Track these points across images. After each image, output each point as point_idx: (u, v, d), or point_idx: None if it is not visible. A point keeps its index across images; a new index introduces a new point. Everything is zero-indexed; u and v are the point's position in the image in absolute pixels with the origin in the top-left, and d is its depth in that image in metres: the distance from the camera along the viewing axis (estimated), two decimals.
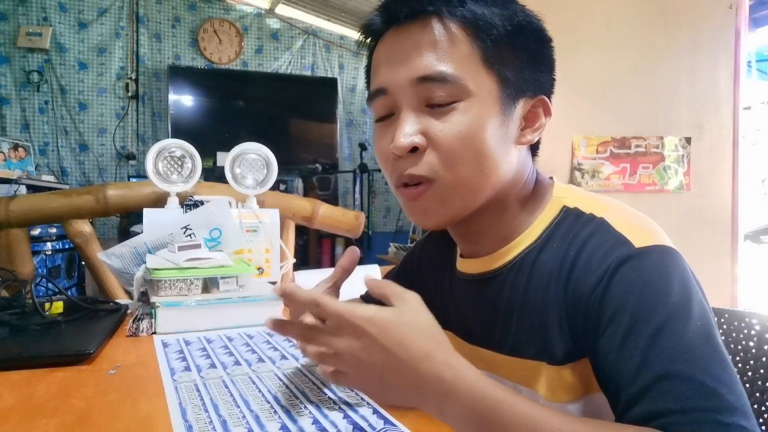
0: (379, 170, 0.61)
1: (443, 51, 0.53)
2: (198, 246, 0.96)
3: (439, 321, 0.46)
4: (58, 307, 0.87)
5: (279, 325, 0.47)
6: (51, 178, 3.58)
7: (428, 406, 0.44)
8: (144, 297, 0.96)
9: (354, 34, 1.82)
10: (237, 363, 0.68)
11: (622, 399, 0.45)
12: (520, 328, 0.57)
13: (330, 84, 4.66)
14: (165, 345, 0.77)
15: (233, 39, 4.41)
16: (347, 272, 0.56)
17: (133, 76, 4.09)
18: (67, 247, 3.05)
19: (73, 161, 3.96)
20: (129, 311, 0.96)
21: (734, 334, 0.78)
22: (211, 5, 4.35)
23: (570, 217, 0.56)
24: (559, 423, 0.41)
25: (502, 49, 0.54)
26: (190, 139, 1.34)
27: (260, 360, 0.70)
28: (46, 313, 0.84)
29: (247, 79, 4.47)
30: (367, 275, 0.50)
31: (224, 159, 1.30)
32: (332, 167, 4.47)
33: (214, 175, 3.53)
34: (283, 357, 0.71)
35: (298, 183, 4.30)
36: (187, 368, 0.66)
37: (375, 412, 0.52)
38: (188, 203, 1.19)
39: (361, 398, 0.55)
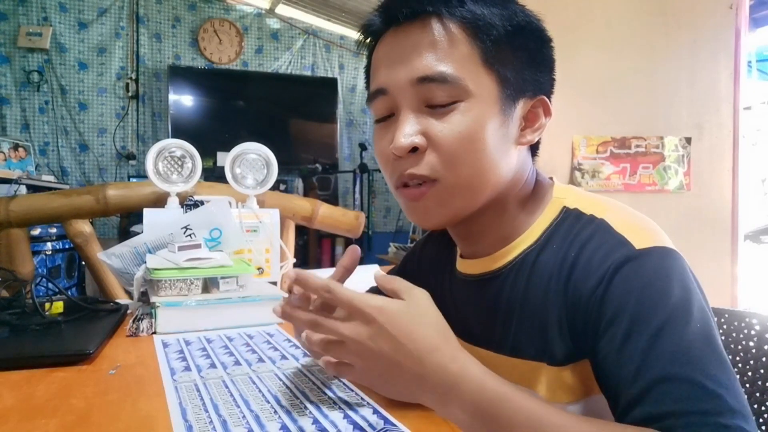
0: (379, 170, 0.61)
1: (443, 51, 0.53)
2: (198, 246, 0.96)
3: None
4: (58, 307, 0.87)
5: (288, 312, 0.48)
6: (51, 178, 3.58)
7: (432, 399, 0.44)
8: (144, 297, 0.96)
9: (354, 34, 1.82)
10: (237, 363, 0.68)
11: (622, 401, 0.45)
12: (520, 329, 0.57)
13: (330, 84, 4.66)
14: (165, 345, 0.77)
15: (233, 39, 4.41)
16: (348, 271, 0.56)
17: (133, 76, 4.09)
18: (67, 247, 3.06)
19: (73, 161, 3.96)
20: (129, 311, 0.96)
21: (734, 334, 0.78)
22: (211, 5, 4.35)
23: (570, 217, 0.56)
24: (562, 420, 0.41)
25: (501, 50, 0.54)
26: (190, 139, 1.34)
27: (260, 360, 0.70)
28: (46, 313, 0.84)
29: (247, 79, 4.47)
30: (377, 271, 0.51)
31: (224, 159, 1.30)
32: (332, 167, 4.47)
33: (214, 175, 3.54)
34: (283, 357, 0.71)
35: (298, 183, 4.30)
36: (187, 368, 0.66)
37: (375, 412, 0.52)
38: (188, 203, 1.19)
39: (362, 398, 0.55)
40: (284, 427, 0.48)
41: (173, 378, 0.62)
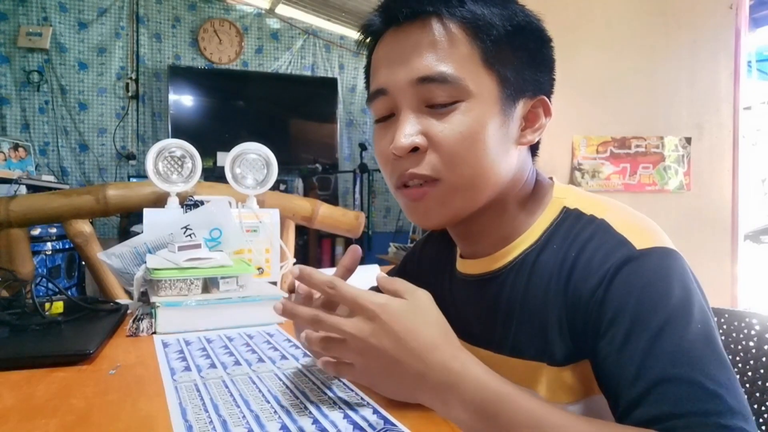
0: (379, 170, 0.61)
1: (443, 51, 0.53)
2: (198, 246, 0.96)
3: None
4: (58, 307, 0.87)
5: (289, 309, 0.48)
6: (51, 178, 3.58)
7: (432, 398, 0.44)
8: (144, 297, 0.96)
9: (354, 34, 1.82)
10: (237, 363, 0.68)
11: (622, 401, 0.45)
12: (520, 329, 0.57)
13: (330, 84, 4.66)
14: (165, 345, 0.77)
15: (233, 39, 4.41)
16: (349, 271, 0.56)
17: (133, 76, 4.09)
18: (67, 247, 3.05)
19: (73, 161, 3.96)
20: (129, 311, 0.96)
21: (734, 334, 0.78)
22: (211, 5, 4.35)
23: (570, 218, 0.56)
24: (562, 420, 0.41)
25: (501, 50, 0.54)
26: (190, 139, 1.34)
27: (260, 360, 0.70)
28: (46, 313, 0.84)
29: (247, 79, 4.47)
30: (379, 273, 0.51)
31: (224, 159, 1.30)
32: (332, 167, 4.47)
33: (214, 175, 3.53)
34: (283, 357, 0.71)
35: (298, 183, 4.30)
36: (187, 368, 0.66)
37: (375, 412, 0.52)
38: (188, 203, 1.19)
39: (362, 398, 0.55)
40: (284, 427, 0.48)
41: (173, 378, 0.62)
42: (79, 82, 3.95)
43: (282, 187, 4.08)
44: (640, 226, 0.52)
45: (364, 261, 0.61)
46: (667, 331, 0.44)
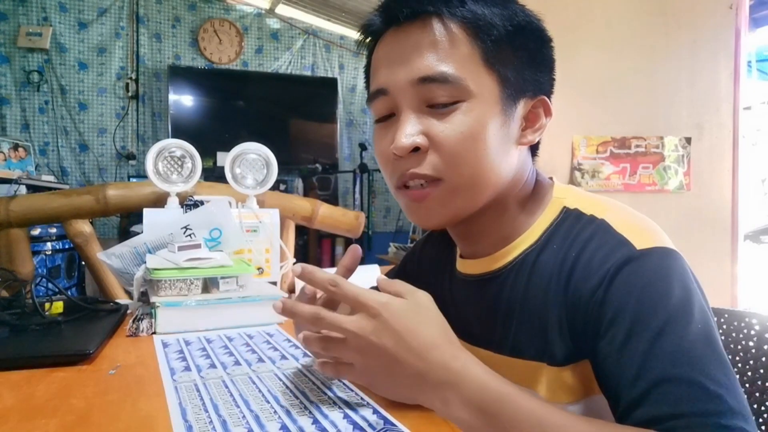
0: (379, 170, 0.61)
1: (444, 51, 0.53)
2: (198, 246, 0.96)
3: None
4: (58, 307, 0.87)
5: (289, 308, 0.47)
6: (51, 178, 3.58)
7: (432, 397, 0.44)
8: (144, 297, 0.96)
9: (354, 34, 1.82)
10: (237, 363, 0.68)
11: (622, 402, 0.45)
12: (520, 329, 0.57)
13: (330, 84, 4.66)
14: (165, 345, 0.77)
15: (233, 39, 4.41)
16: (350, 271, 0.56)
17: (133, 76, 4.09)
18: (67, 247, 3.05)
19: (73, 161, 3.96)
20: (129, 311, 0.96)
21: (734, 334, 0.78)
22: (211, 5, 4.35)
23: (570, 218, 0.56)
24: (563, 420, 0.41)
25: (502, 50, 0.54)
26: (190, 139, 1.34)
27: (260, 360, 0.70)
28: (46, 313, 0.84)
29: (247, 79, 4.47)
30: (379, 276, 0.51)
31: (224, 159, 1.30)
32: (332, 167, 4.47)
33: (214, 175, 3.53)
34: (283, 357, 0.71)
35: (298, 183, 4.30)
36: (187, 368, 0.66)
37: (375, 412, 0.52)
38: (188, 203, 1.19)
39: (362, 398, 0.55)
40: (284, 427, 0.48)
41: (173, 378, 0.62)
42: (79, 82, 3.95)
43: (282, 187, 4.08)
44: (640, 226, 0.52)
45: (364, 261, 0.61)
46: (667, 332, 0.44)
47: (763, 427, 0.71)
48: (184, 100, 4.17)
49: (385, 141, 0.57)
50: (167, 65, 4.16)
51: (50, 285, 0.95)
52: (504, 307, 0.59)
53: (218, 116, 4.24)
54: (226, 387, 0.59)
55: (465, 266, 0.65)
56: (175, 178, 1.25)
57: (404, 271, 0.81)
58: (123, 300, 1.10)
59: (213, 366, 0.67)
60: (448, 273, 0.70)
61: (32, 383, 0.60)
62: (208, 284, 0.93)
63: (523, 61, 0.56)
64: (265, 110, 4.45)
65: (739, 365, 0.75)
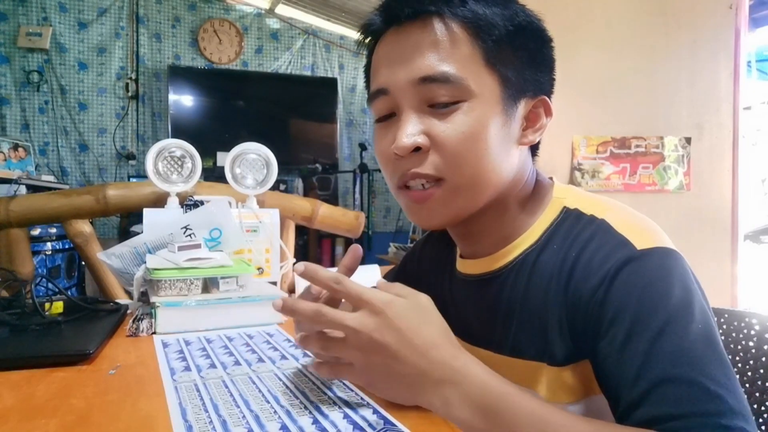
0: (379, 170, 0.61)
1: (445, 51, 0.53)
2: (198, 246, 0.96)
3: None
4: (58, 307, 0.87)
5: (290, 306, 0.47)
6: (51, 178, 3.58)
7: (432, 396, 0.44)
8: (144, 297, 0.96)
9: (354, 34, 1.82)
10: (237, 363, 0.68)
11: (623, 402, 0.45)
12: (520, 329, 0.57)
13: (330, 84, 4.66)
14: (165, 345, 0.77)
15: (233, 39, 4.41)
16: (350, 271, 0.56)
17: (133, 76, 4.09)
18: (67, 247, 3.05)
19: (73, 161, 3.96)
20: (129, 311, 0.96)
21: (734, 334, 0.78)
22: (211, 5, 4.35)
23: (570, 218, 0.56)
24: (563, 420, 0.41)
25: (503, 50, 0.54)
26: (190, 139, 1.34)
27: (260, 360, 0.70)
28: (46, 313, 0.84)
29: (247, 79, 4.47)
30: (379, 279, 0.51)
31: (224, 159, 1.30)
32: (332, 167, 4.47)
33: (214, 175, 3.53)
34: (283, 357, 0.71)
35: (298, 183, 4.30)
36: (187, 368, 0.66)
37: (375, 412, 0.52)
38: (188, 203, 1.19)
39: (362, 398, 0.55)
40: (284, 427, 0.48)
41: (173, 378, 0.62)
42: (79, 82, 3.95)
43: (282, 187, 4.08)
44: (640, 226, 0.52)
45: (364, 261, 0.61)
46: (667, 332, 0.44)
47: (763, 427, 0.71)
48: (184, 100, 4.17)
49: (385, 141, 0.57)
50: (167, 65, 4.16)
51: (50, 285, 0.95)
52: (504, 307, 0.59)
53: (218, 116, 4.24)
54: (226, 387, 0.59)
55: (465, 266, 0.65)
56: (175, 178, 1.25)
57: (404, 271, 0.81)
58: (123, 300, 1.10)
59: (213, 366, 0.67)
60: (448, 273, 0.70)
61: (32, 383, 0.60)
62: (208, 284, 0.93)
63: (524, 61, 0.56)
64: (265, 110, 4.45)
65: (739, 365, 0.75)
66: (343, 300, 0.51)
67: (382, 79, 0.56)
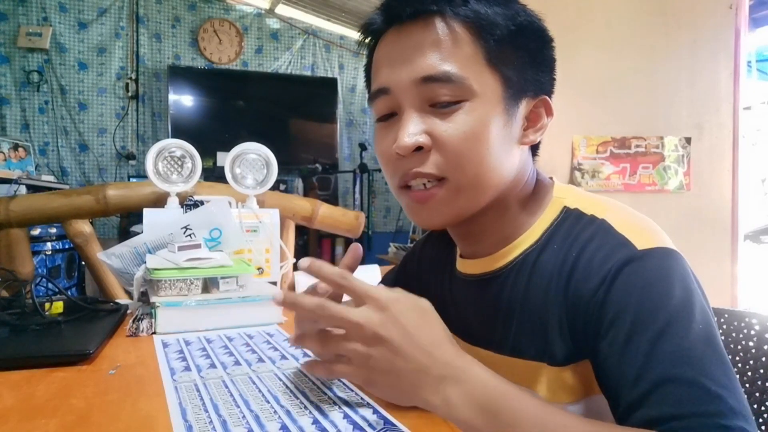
0: (379, 170, 0.61)
1: (447, 51, 0.53)
2: (198, 246, 0.96)
3: None
4: (58, 307, 0.87)
5: (291, 300, 0.47)
6: (51, 178, 3.58)
7: (432, 395, 0.44)
8: (144, 297, 0.96)
9: (354, 34, 1.82)
10: (237, 363, 0.68)
11: (623, 402, 0.45)
12: (521, 329, 0.57)
13: (330, 84, 4.66)
14: (165, 345, 0.77)
15: (233, 39, 4.41)
16: (351, 270, 0.56)
17: (133, 76, 4.09)
18: (67, 247, 3.05)
19: (73, 161, 3.96)
20: (129, 311, 0.96)
21: (734, 334, 0.78)
22: (211, 5, 4.35)
23: (571, 218, 0.56)
24: (564, 420, 0.41)
25: (504, 49, 0.54)
26: (190, 139, 1.34)
27: (260, 360, 0.70)
28: (46, 313, 0.84)
29: (247, 79, 4.47)
30: (380, 285, 0.51)
31: (224, 159, 1.30)
32: (332, 167, 4.47)
33: (214, 175, 3.53)
34: (283, 357, 0.71)
35: (298, 183, 4.30)
36: (187, 368, 0.66)
37: (375, 412, 0.52)
38: (188, 203, 1.19)
39: (362, 398, 0.55)
40: (284, 427, 0.48)
41: (173, 378, 0.62)
42: (79, 82, 3.95)
43: (282, 187, 4.08)
44: (640, 226, 0.52)
45: (364, 261, 0.61)
46: (668, 332, 0.44)
47: (763, 427, 0.71)
48: (184, 100, 4.17)
49: (386, 140, 0.57)
50: (167, 65, 4.16)
51: (50, 285, 0.95)
52: (504, 307, 0.59)
53: (218, 116, 4.24)
54: (226, 387, 0.59)
55: (465, 266, 0.65)
56: (175, 178, 1.25)
57: (404, 271, 0.81)
58: (123, 300, 1.10)
59: (213, 366, 0.67)
60: (448, 273, 0.70)
61: (32, 383, 0.60)
62: (208, 284, 0.93)
63: (525, 61, 0.56)
64: (265, 110, 4.45)
65: (739, 365, 0.75)
66: (343, 300, 0.51)
67: (384, 79, 0.56)
